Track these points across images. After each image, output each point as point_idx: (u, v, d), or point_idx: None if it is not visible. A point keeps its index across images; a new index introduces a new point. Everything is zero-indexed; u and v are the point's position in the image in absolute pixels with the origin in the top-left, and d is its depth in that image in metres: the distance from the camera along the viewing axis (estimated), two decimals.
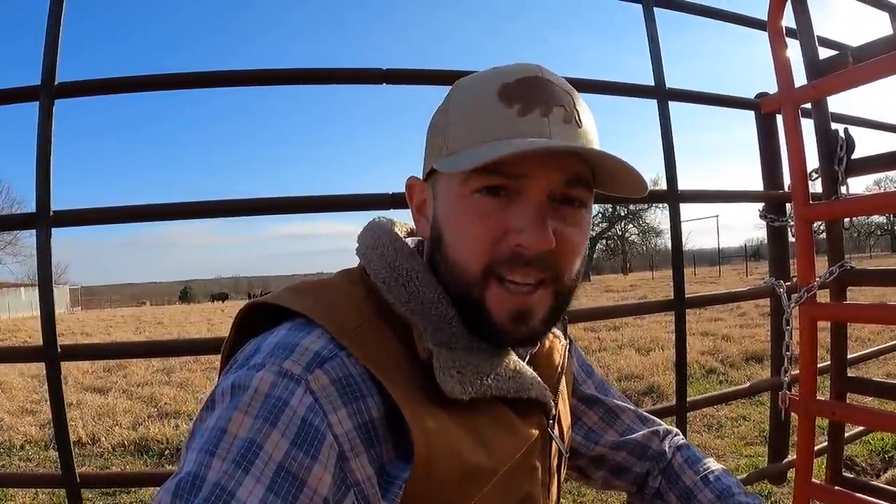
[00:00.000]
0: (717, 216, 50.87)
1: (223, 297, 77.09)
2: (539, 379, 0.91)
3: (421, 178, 0.94)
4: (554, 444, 0.98)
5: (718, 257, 50.76)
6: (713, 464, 1.21)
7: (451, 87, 0.91)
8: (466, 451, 0.77)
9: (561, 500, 1.10)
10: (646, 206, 56.36)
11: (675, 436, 1.28)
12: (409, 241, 0.92)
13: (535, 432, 0.90)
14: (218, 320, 23.94)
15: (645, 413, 1.31)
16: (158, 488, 0.66)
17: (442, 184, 0.86)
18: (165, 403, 7.55)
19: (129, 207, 1.98)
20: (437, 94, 0.96)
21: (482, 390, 0.81)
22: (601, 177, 0.86)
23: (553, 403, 0.94)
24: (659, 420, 1.31)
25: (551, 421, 0.95)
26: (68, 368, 10.45)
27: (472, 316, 0.83)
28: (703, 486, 1.14)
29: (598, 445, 1.23)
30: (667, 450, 1.24)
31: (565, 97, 0.83)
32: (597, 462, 1.24)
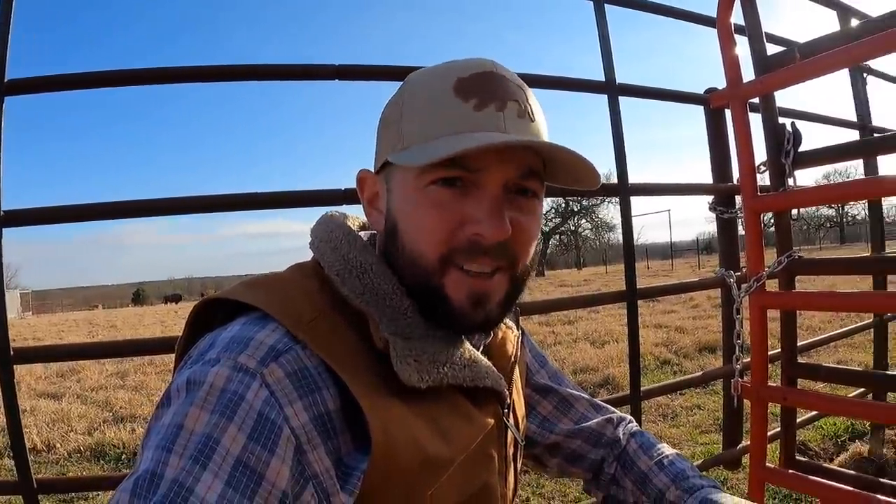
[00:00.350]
0: (669, 210, 51.52)
1: (176, 298, 75.78)
2: (493, 368, 0.92)
3: (373, 170, 0.94)
4: (510, 432, 0.99)
5: (671, 251, 51.43)
6: (667, 449, 1.23)
7: (404, 80, 0.92)
8: (425, 440, 0.78)
9: (518, 489, 1.11)
10: (598, 201, 56.80)
11: (630, 423, 1.30)
12: (362, 234, 0.92)
13: (491, 421, 0.91)
14: (171, 322, 23.55)
15: (599, 402, 1.33)
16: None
17: (397, 176, 0.86)
18: (121, 407, 7.40)
19: (81, 206, 1.92)
20: (390, 91, 0.96)
21: (439, 378, 0.81)
22: (554, 170, 0.88)
23: (507, 392, 0.96)
24: (613, 408, 1.32)
25: (506, 410, 0.97)
26: (21, 374, 10.20)
27: (431, 303, 0.84)
28: (657, 471, 1.16)
29: (553, 434, 1.24)
30: (621, 436, 1.25)
31: (518, 92, 0.85)
32: (552, 450, 1.25)
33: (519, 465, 1.10)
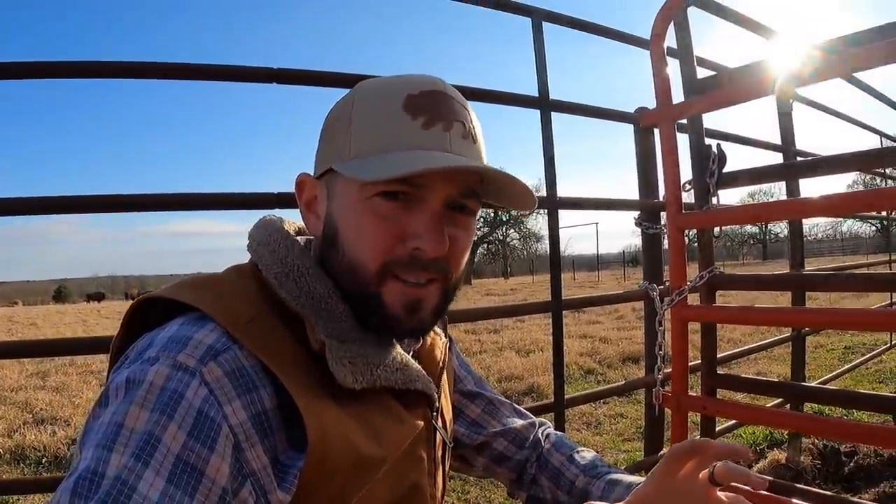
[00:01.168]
0: (597, 223, 52.18)
1: (99, 296, 73.42)
2: (424, 372, 0.95)
3: (313, 175, 0.95)
4: (438, 434, 1.02)
5: (597, 263, 52.04)
6: (580, 447, 1.29)
7: (352, 90, 0.93)
8: (358, 440, 0.80)
9: (446, 490, 1.14)
10: (527, 212, 57.45)
11: (548, 427, 1.36)
12: (299, 238, 0.94)
13: (421, 423, 0.94)
14: (94, 321, 22.88)
15: (520, 408, 1.38)
16: (42, 495, 0.66)
17: (340, 184, 0.88)
18: (41, 409, 7.08)
19: (4, 200, 1.83)
20: (327, 96, 0.97)
21: (372, 380, 0.84)
22: (492, 191, 0.93)
23: (437, 396, 0.99)
24: (530, 413, 1.38)
25: (435, 413, 1.00)
26: None
27: (367, 309, 0.87)
28: (569, 464, 1.21)
29: (480, 435, 1.28)
30: (541, 438, 1.30)
31: (463, 112, 0.88)
32: (479, 449, 1.29)
33: (447, 467, 1.13)
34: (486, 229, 66.74)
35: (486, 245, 69.88)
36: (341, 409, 0.80)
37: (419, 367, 0.95)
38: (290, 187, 0.98)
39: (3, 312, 38.37)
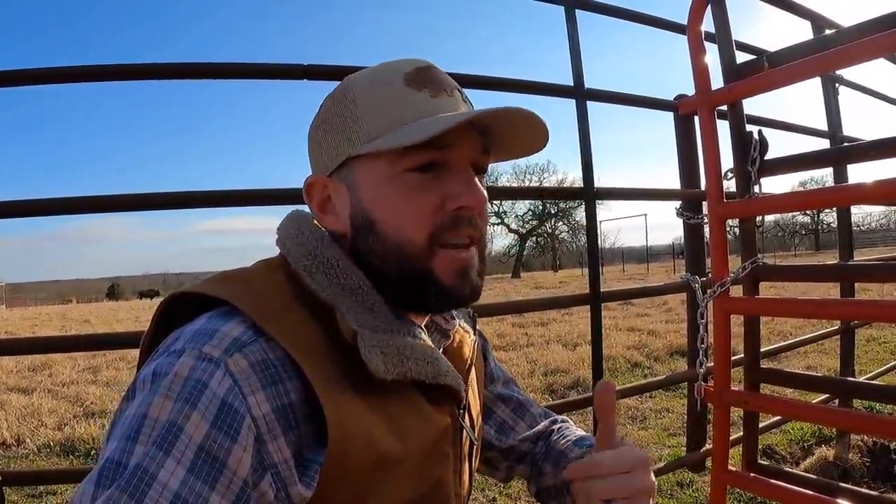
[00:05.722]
0: (646, 214, 51.71)
1: (152, 293, 75.07)
2: (453, 367, 0.94)
3: (321, 174, 0.95)
4: (465, 432, 1.00)
5: (647, 255, 51.65)
6: (584, 433, 1.25)
7: (339, 86, 0.94)
8: (379, 437, 0.78)
9: (472, 488, 1.13)
10: (576, 203, 57.02)
11: (565, 422, 1.33)
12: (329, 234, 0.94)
13: (448, 420, 0.93)
14: (146, 318, 23.05)
15: (545, 409, 1.37)
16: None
17: (362, 172, 0.89)
18: (91, 403, 7.31)
19: (57, 200, 1.93)
20: None
21: (403, 371, 0.83)
22: (499, 145, 0.95)
23: (464, 393, 0.97)
24: (556, 413, 1.37)
25: (461, 410, 0.98)
26: None
27: (422, 288, 0.88)
28: (573, 447, 1.18)
29: (508, 438, 1.27)
30: (554, 430, 1.28)
31: (454, 82, 0.92)
32: (506, 453, 1.28)
33: (474, 465, 1.12)
34: (534, 222, 66.44)
35: (534, 238, 69.41)
36: (365, 404, 0.79)
37: (448, 362, 0.94)
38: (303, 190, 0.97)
39: (58, 310, 39.50)
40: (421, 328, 0.92)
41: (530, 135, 0.92)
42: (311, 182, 0.95)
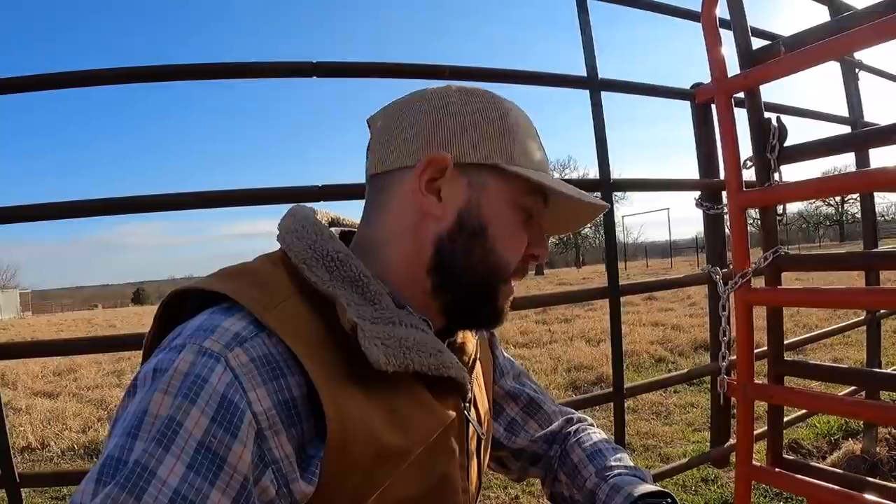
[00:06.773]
0: (668, 209, 51.58)
1: None
2: (457, 360, 0.92)
3: (450, 159, 0.89)
4: (471, 426, 1.00)
5: (670, 249, 51.43)
6: (606, 443, 1.24)
7: (478, 92, 0.96)
8: (381, 431, 0.78)
9: (482, 483, 1.13)
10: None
11: (583, 423, 1.32)
12: (332, 230, 0.93)
13: (453, 413, 0.92)
14: None
15: (561, 406, 1.35)
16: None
17: (497, 182, 0.91)
18: (115, 406, 7.35)
19: (68, 203, 1.95)
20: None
21: (405, 363, 0.82)
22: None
23: (469, 387, 0.97)
24: (573, 410, 1.36)
25: (467, 404, 0.98)
26: (18, 372, 10.30)
27: (485, 299, 0.95)
28: (586, 462, 1.18)
29: (518, 437, 1.27)
30: (570, 433, 1.27)
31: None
32: (517, 454, 1.28)
33: (483, 461, 1.11)
34: None
35: (557, 234, 69.50)
36: (367, 398, 0.79)
37: (452, 355, 0.92)
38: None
39: (84, 315, 39.94)
40: (425, 320, 0.91)
41: (580, 222, 1.10)
42: (442, 157, 0.88)
